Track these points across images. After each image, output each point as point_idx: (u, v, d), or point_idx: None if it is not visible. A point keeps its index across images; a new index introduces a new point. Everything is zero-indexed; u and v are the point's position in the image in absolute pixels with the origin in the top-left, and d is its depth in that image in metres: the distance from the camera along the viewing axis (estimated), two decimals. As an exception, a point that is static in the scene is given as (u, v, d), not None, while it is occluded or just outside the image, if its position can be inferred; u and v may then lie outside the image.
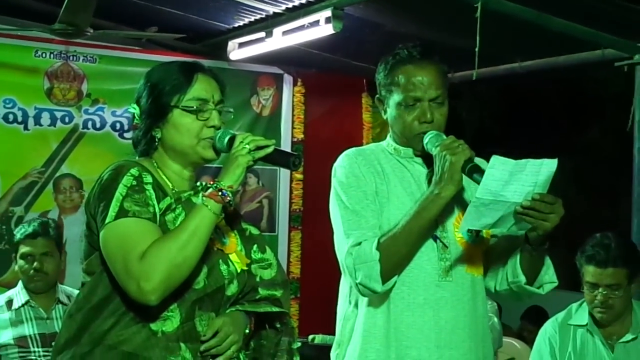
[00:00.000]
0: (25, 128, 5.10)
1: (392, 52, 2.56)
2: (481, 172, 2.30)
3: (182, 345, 2.10)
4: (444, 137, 2.43)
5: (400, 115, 2.50)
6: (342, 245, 2.49)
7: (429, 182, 2.45)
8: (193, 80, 2.18)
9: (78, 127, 5.24)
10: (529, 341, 3.78)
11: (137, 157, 2.24)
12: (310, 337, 4.74)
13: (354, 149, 2.62)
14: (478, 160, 2.43)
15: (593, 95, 5.85)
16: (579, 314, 3.51)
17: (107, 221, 2.04)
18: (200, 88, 2.18)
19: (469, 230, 2.48)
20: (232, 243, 2.25)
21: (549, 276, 2.54)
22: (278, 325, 2.33)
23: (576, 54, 4.89)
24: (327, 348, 4.59)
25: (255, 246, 2.32)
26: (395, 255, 2.41)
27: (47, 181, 5.17)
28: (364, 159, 2.54)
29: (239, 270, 2.21)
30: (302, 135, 5.84)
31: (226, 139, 2.16)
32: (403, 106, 2.48)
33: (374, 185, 2.50)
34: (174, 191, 2.17)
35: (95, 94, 5.28)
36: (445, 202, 2.38)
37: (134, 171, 2.11)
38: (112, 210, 2.05)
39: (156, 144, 2.20)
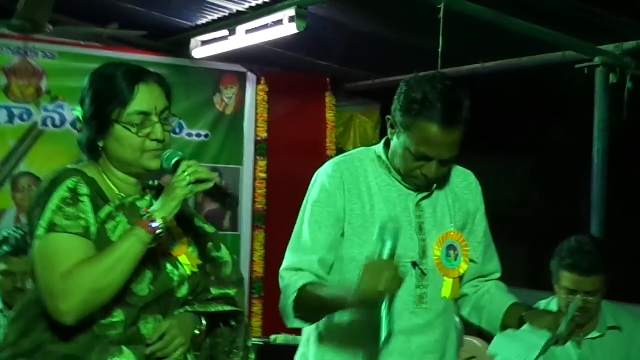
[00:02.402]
0: (-17, 125, 5.03)
1: (420, 84, 2.39)
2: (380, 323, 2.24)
3: (124, 348, 2.08)
4: (396, 233, 2.26)
5: (405, 157, 2.42)
6: (287, 250, 2.49)
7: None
8: (134, 93, 2.12)
9: (37, 124, 5.17)
10: (489, 339, 3.79)
11: (84, 160, 2.21)
12: (273, 337, 4.73)
13: (343, 158, 2.57)
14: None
15: (555, 96, 5.90)
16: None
17: (36, 233, 2.03)
18: (142, 100, 2.12)
19: (448, 256, 2.50)
20: (182, 244, 2.22)
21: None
22: (233, 324, 2.31)
23: (538, 55, 4.93)
24: (290, 347, 4.60)
25: (210, 244, 2.30)
26: (308, 313, 2.40)
27: (4, 180, 5.09)
28: (350, 174, 2.48)
29: (189, 273, 2.19)
30: (266, 134, 5.83)
31: (172, 162, 2.12)
32: (412, 154, 2.40)
33: (346, 208, 2.46)
34: (120, 196, 2.15)
35: (55, 91, 5.21)
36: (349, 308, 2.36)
37: (70, 183, 2.07)
38: (42, 222, 2.03)
39: (100, 151, 2.16)
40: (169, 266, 2.16)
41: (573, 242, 3.44)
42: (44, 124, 5.18)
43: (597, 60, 4.52)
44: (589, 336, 3.47)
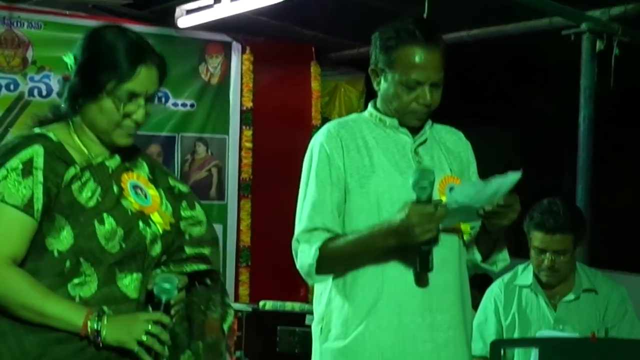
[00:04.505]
0: (-31, 96, 5.01)
1: (392, 25, 2.53)
2: (427, 257, 2.38)
3: (105, 308, 2.11)
4: (432, 176, 2.39)
5: (398, 93, 2.51)
6: (296, 223, 2.53)
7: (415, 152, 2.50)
8: (135, 74, 2.13)
9: (23, 94, 5.15)
10: (475, 307, 3.85)
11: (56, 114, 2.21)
12: (261, 303, 4.77)
13: (335, 121, 2.65)
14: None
15: (540, 64, 5.91)
16: (524, 275, 3.61)
17: None
18: (139, 82, 2.13)
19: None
20: (154, 203, 2.24)
21: (502, 255, 2.64)
22: (208, 282, 2.33)
23: (523, 22, 4.93)
24: (277, 314, 4.66)
25: (184, 203, 2.31)
26: (333, 266, 2.50)
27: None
28: (346, 131, 2.56)
29: (161, 231, 2.21)
30: (251, 104, 5.83)
31: (163, 298, 2.14)
32: (403, 86, 2.49)
33: (345, 164, 2.52)
34: (89, 156, 2.16)
35: (41, 61, 5.18)
36: (390, 249, 2.43)
37: (26, 153, 2.09)
38: None
39: (78, 108, 2.17)
40: (141, 224, 2.18)
41: (544, 203, 3.52)
42: (31, 94, 5.16)
43: (583, 26, 4.51)
44: (565, 299, 3.54)
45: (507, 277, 3.66)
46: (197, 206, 2.35)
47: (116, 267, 2.13)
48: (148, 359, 2.08)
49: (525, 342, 3.41)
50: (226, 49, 5.77)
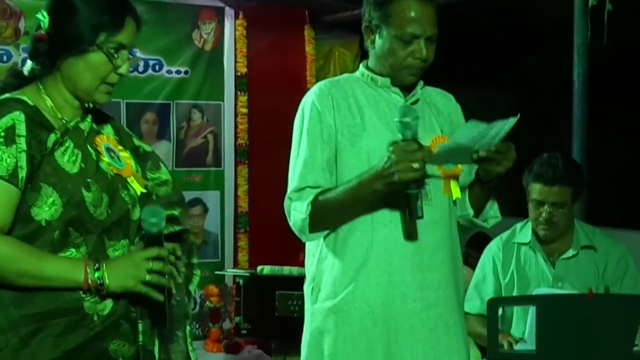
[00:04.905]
0: (-39, 67, 4.98)
1: None
2: (416, 202, 2.35)
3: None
4: (415, 113, 2.40)
5: (394, 48, 2.52)
6: (289, 182, 2.54)
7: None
8: (124, 25, 2.10)
9: (17, 65, 5.11)
10: (474, 267, 3.87)
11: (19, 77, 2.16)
12: (259, 268, 4.80)
13: (326, 80, 2.67)
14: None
15: (535, 23, 5.88)
16: (523, 232, 3.63)
17: None
18: (127, 35, 2.11)
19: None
20: (128, 165, 2.21)
21: (493, 211, 2.67)
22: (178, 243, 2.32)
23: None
24: (276, 278, 4.68)
25: (149, 163, 2.29)
26: (325, 220, 2.51)
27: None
28: (337, 90, 2.58)
29: (138, 194, 2.19)
30: (246, 69, 5.79)
31: (153, 230, 2.08)
32: (399, 40, 2.50)
33: (336, 122, 2.52)
34: (63, 120, 2.11)
35: (34, 32, 5.14)
36: (378, 196, 2.42)
37: (6, 120, 2.03)
38: None
39: (53, 69, 2.11)
40: (121, 188, 2.15)
41: (544, 156, 3.54)
42: (24, 65, 5.12)
43: (575, -19, 4.49)
44: (563, 256, 3.57)
45: (505, 235, 3.68)
46: (162, 166, 2.33)
47: (105, 235, 2.10)
48: (158, 296, 2.06)
49: (522, 300, 3.44)
50: (219, 15, 5.71)
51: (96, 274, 2.02)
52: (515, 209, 4.69)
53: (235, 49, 5.75)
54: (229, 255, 5.58)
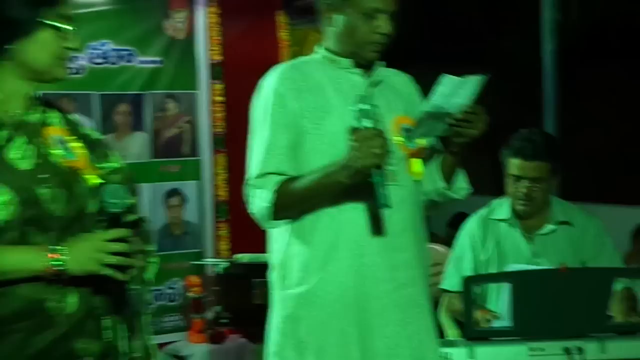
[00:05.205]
0: None
1: None
2: (381, 190, 2.34)
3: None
4: (372, 100, 2.40)
5: (356, 24, 2.52)
6: (248, 167, 2.53)
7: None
8: None
9: None
10: (449, 244, 3.89)
11: None
12: (239, 255, 4.79)
13: (287, 63, 2.67)
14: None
15: (508, 1, 5.89)
16: (501, 209, 3.65)
17: None
18: (67, 6, 2.05)
19: (408, 137, 2.55)
20: (81, 156, 2.15)
21: (462, 182, 2.66)
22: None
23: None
24: (255, 266, 4.67)
25: (99, 152, 2.23)
26: (289, 209, 2.51)
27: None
28: (299, 73, 2.57)
29: (95, 185, 2.13)
30: (220, 57, 5.76)
31: (112, 209, 2.03)
32: (362, 15, 2.49)
33: (299, 105, 2.51)
34: (9, 115, 2.05)
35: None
36: (342, 188, 2.40)
37: None
38: None
39: (6, 59, 2.04)
40: (76, 181, 2.10)
41: (522, 132, 3.56)
42: None
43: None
44: (540, 232, 3.58)
45: (483, 212, 3.70)
46: (113, 154, 2.28)
47: (66, 232, 2.04)
48: (122, 276, 2.02)
49: (496, 278, 3.46)
50: (190, 3, 5.68)
51: (58, 261, 1.97)
52: (493, 188, 4.70)
53: (209, 37, 5.71)
54: (210, 245, 5.56)
